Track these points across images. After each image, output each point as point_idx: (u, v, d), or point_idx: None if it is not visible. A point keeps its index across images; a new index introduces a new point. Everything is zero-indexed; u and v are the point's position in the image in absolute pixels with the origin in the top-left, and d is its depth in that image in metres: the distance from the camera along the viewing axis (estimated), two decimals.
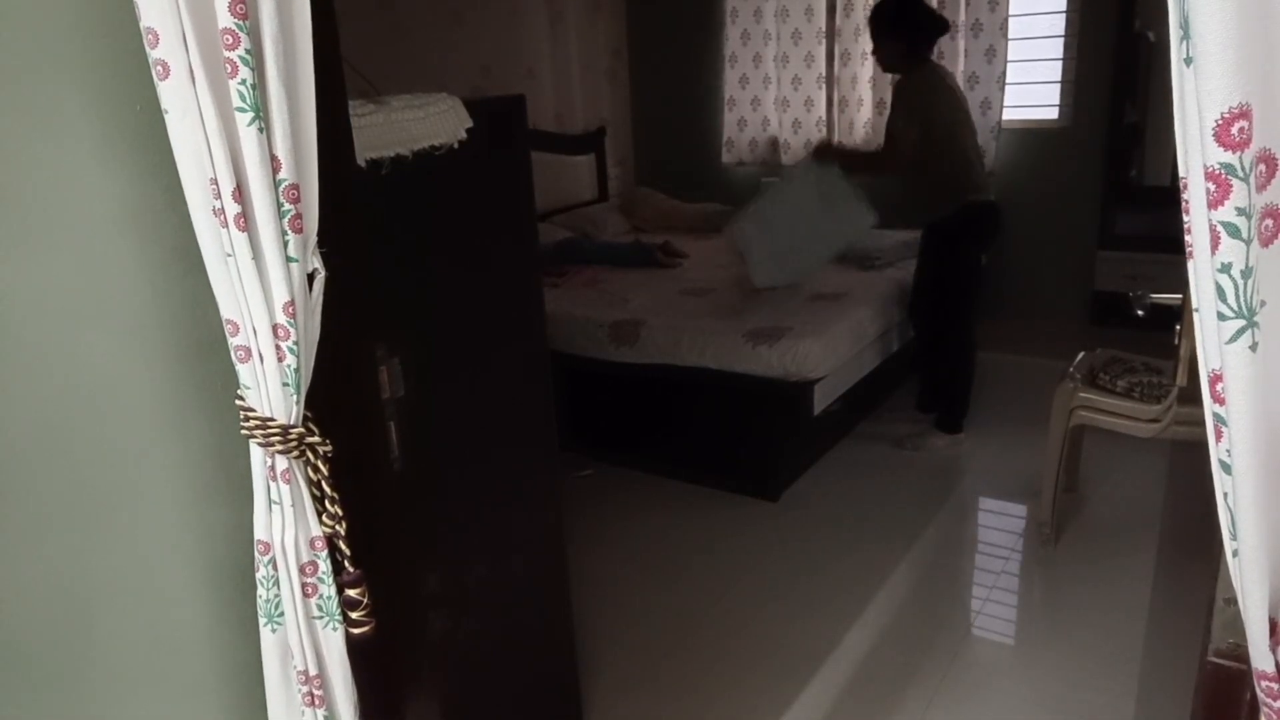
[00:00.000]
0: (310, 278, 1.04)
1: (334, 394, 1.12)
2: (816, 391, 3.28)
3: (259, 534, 1.10)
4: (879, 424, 3.95)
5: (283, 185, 0.97)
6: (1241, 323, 0.72)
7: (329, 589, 1.13)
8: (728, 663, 2.49)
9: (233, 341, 1.02)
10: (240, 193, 0.95)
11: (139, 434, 1.09)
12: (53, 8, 0.96)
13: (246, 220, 0.96)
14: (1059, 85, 4.63)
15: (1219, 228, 0.70)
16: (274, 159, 0.96)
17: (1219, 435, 0.77)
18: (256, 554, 1.11)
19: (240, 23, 0.89)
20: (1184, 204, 0.75)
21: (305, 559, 1.12)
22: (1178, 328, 2.37)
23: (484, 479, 1.81)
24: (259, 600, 1.13)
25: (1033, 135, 4.74)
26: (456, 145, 1.56)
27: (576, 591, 2.14)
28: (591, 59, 5.51)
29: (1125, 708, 2.23)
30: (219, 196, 0.95)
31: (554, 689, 2.14)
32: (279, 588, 1.12)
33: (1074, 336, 4.19)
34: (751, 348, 3.28)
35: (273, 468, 1.07)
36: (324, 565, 1.13)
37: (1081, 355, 2.94)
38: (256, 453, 1.07)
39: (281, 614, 1.13)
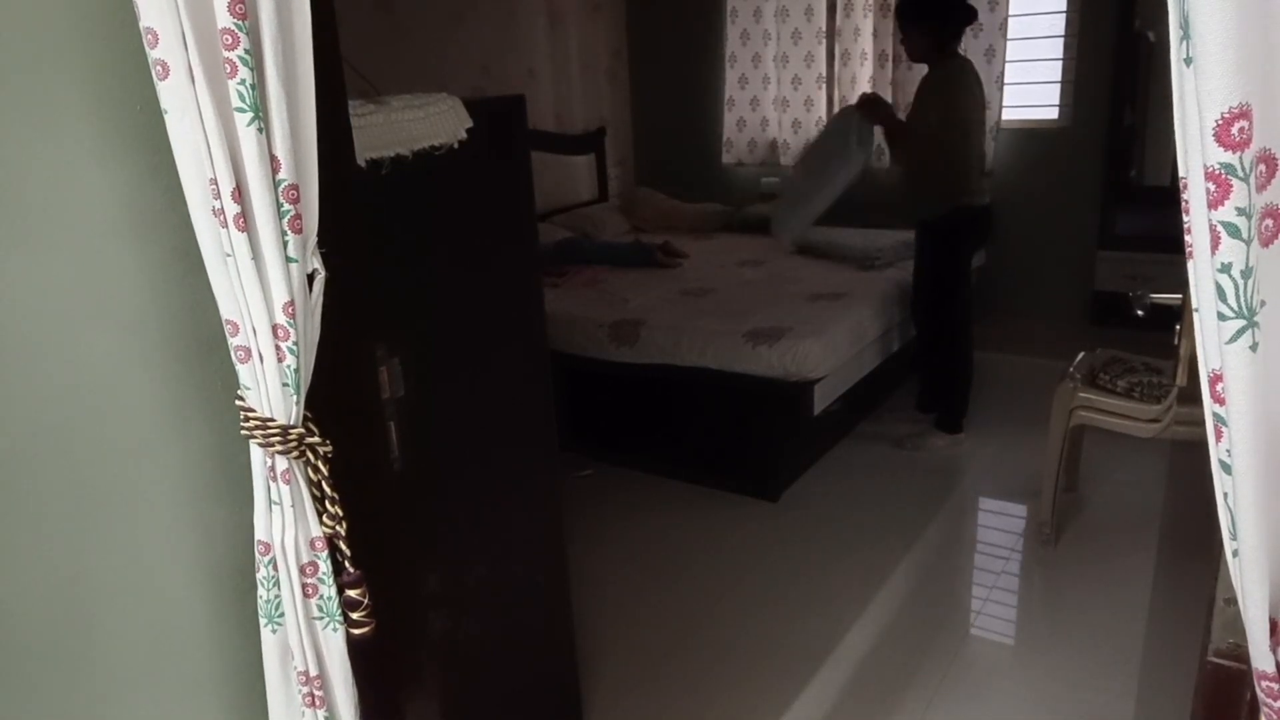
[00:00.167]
0: (310, 278, 1.04)
1: (334, 394, 1.12)
2: (816, 391, 3.28)
3: (259, 534, 1.10)
4: (879, 424, 3.95)
5: (282, 185, 0.97)
6: (1241, 323, 0.72)
7: (329, 589, 1.13)
8: (728, 663, 2.49)
9: (232, 342, 1.02)
10: (240, 193, 0.95)
11: (139, 434, 1.09)
12: (53, 8, 0.96)
13: (246, 220, 0.96)
14: (1059, 85, 4.63)
15: (1219, 228, 0.70)
16: (273, 159, 0.96)
17: (1219, 435, 0.77)
18: (257, 554, 1.11)
19: (240, 23, 0.89)
20: (1184, 204, 0.75)
21: (305, 559, 1.12)
22: (1178, 328, 2.36)
23: (484, 479, 1.81)
24: (259, 601, 1.13)
25: (1032, 135, 4.74)
26: (456, 145, 1.56)
27: (576, 591, 2.14)
28: (591, 59, 5.50)
29: (1125, 708, 2.22)
30: (219, 197, 0.95)
31: (554, 689, 2.14)
32: (279, 588, 1.12)
33: (1074, 336, 4.18)
34: (751, 348, 3.28)
35: (273, 468, 1.07)
36: (324, 566, 1.13)
37: (1081, 355, 2.94)
38: (256, 453, 1.07)
39: (282, 614, 1.13)
